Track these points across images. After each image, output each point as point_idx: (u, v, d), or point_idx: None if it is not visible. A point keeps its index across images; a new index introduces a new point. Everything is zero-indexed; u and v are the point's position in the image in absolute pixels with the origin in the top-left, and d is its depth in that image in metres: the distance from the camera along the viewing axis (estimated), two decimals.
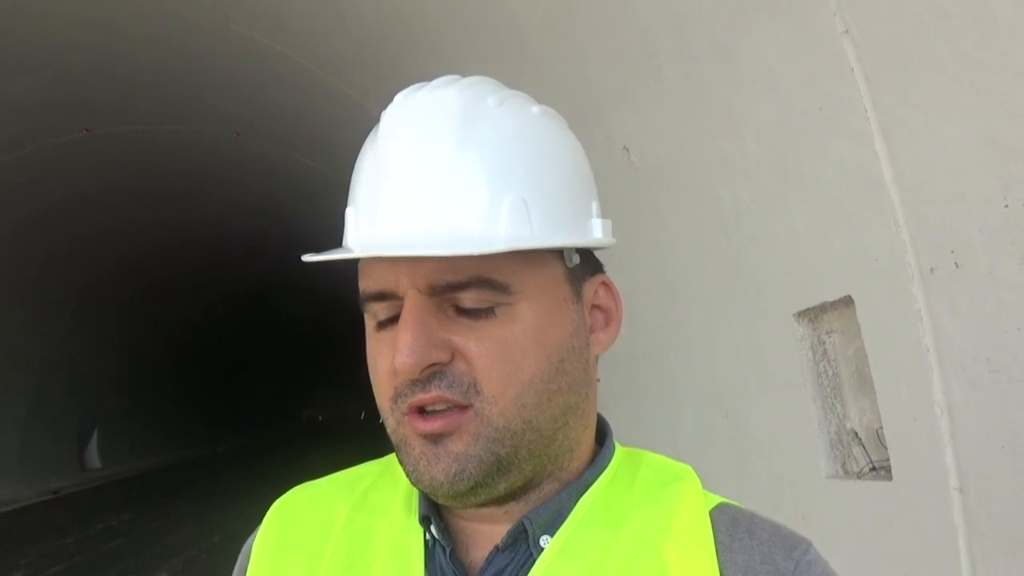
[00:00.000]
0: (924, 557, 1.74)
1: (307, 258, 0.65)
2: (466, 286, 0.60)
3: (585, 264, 0.67)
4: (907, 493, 1.80)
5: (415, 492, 0.69)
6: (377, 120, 0.66)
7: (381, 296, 0.62)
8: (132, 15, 6.52)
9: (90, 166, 9.75)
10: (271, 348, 26.31)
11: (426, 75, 0.68)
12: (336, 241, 0.69)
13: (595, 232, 0.66)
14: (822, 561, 0.64)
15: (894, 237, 1.71)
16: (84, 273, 12.54)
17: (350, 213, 0.64)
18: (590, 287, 0.68)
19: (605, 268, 0.72)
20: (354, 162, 0.66)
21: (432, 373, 0.60)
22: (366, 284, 0.63)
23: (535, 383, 0.61)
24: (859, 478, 2.04)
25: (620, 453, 0.70)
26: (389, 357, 0.61)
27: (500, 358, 0.60)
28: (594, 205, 0.67)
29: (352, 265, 0.67)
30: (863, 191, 1.79)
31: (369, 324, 0.65)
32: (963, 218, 1.55)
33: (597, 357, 0.69)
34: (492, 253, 0.57)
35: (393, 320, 0.62)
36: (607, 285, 0.70)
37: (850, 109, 1.76)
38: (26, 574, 7.25)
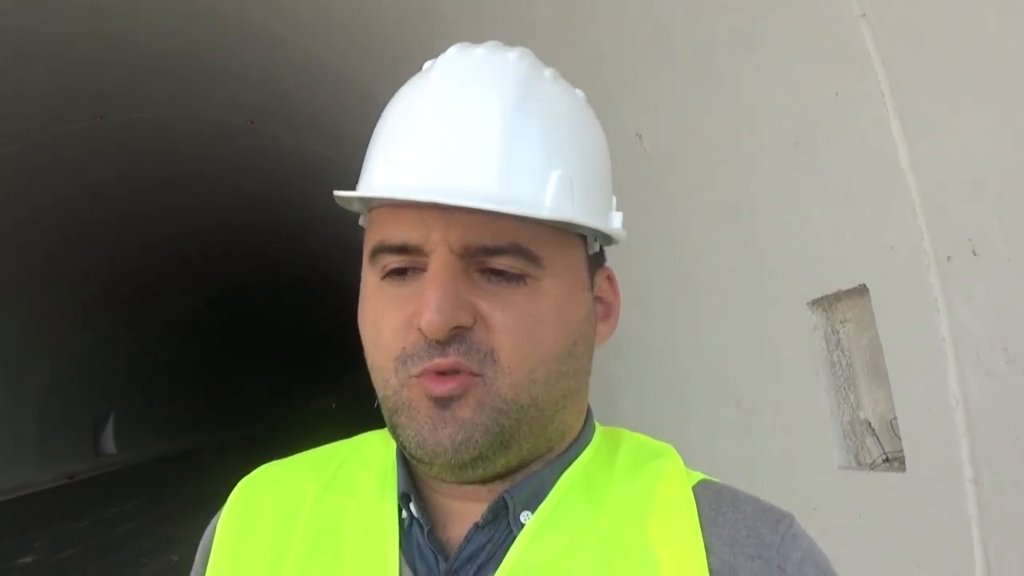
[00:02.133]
0: (937, 548, 1.73)
1: (340, 193, 0.62)
2: (502, 252, 0.58)
3: (599, 254, 0.68)
4: (920, 484, 1.78)
5: (390, 471, 0.67)
6: (410, 75, 0.64)
7: (403, 249, 0.59)
8: (145, 2, 6.53)
9: (103, 154, 9.78)
10: (283, 335, 26.43)
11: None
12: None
13: (615, 223, 0.66)
14: (806, 535, 0.64)
15: (910, 224, 1.68)
16: (98, 260, 12.62)
17: (379, 155, 0.61)
18: (598, 278, 0.68)
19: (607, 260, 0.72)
20: (366, 139, 0.63)
21: (453, 336, 0.57)
22: (387, 233, 0.60)
23: (549, 362, 0.60)
24: (872, 469, 2.02)
25: (600, 432, 0.70)
26: (400, 313, 0.59)
27: (523, 330, 0.59)
28: (614, 198, 0.68)
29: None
30: (879, 178, 1.77)
31: (373, 278, 0.62)
32: (981, 205, 1.52)
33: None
34: (541, 219, 0.57)
35: (405, 274, 0.60)
36: (611, 279, 0.70)
37: (867, 94, 1.73)
38: (41, 556, 7.33)
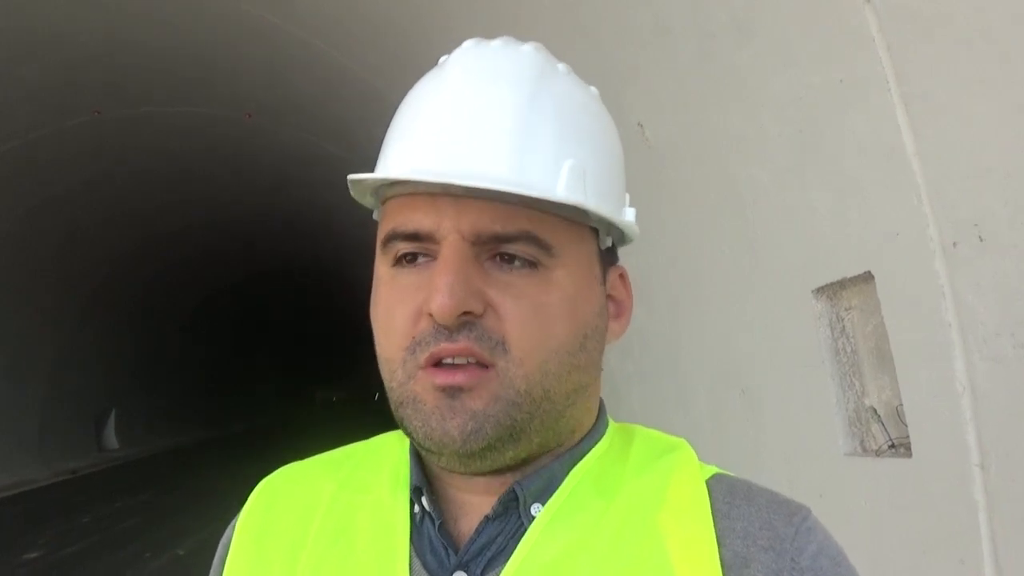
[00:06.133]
0: (944, 534, 1.73)
1: (353, 177, 0.62)
2: (513, 239, 0.58)
3: (611, 250, 0.68)
4: (927, 470, 1.78)
5: (403, 469, 0.68)
6: (425, 69, 0.65)
7: (415, 237, 0.59)
8: None
9: (101, 149, 9.77)
10: (285, 329, 26.44)
11: (438, 53, 0.67)
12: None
13: (629, 216, 0.67)
14: (822, 528, 0.63)
15: (916, 211, 1.68)
16: (99, 256, 12.61)
17: (393, 145, 0.62)
18: (611, 275, 0.68)
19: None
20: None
21: (462, 323, 0.57)
22: (400, 222, 0.60)
23: (561, 353, 0.60)
24: (878, 455, 2.02)
25: (613, 427, 0.70)
26: (412, 302, 0.59)
27: (534, 320, 0.59)
28: (627, 195, 0.69)
29: (374, 233, 0.65)
30: (884, 164, 1.76)
31: (385, 266, 0.62)
32: (987, 191, 1.52)
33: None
34: (553, 202, 0.57)
35: (416, 261, 0.60)
36: (623, 277, 0.70)
37: (871, 81, 1.73)
38: (45, 552, 7.34)
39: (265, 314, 23.51)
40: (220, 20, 6.73)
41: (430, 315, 0.57)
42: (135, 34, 7.13)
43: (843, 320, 2.13)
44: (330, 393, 34.54)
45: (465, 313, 0.57)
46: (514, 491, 0.62)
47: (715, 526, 0.61)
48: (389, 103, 0.67)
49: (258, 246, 16.15)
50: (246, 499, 0.73)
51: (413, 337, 0.59)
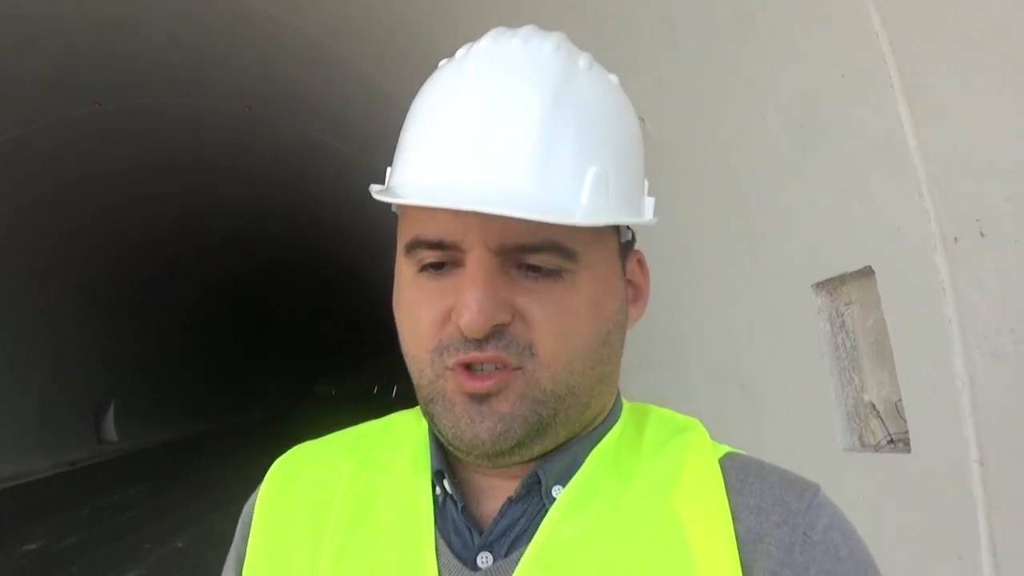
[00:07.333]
0: (942, 530, 1.73)
1: (378, 197, 0.61)
2: (539, 250, 0.59)
3: (630, 240, 0.69)
4: (926, 466, 1.78)
5: (423, 449, 0.69)
6: (439, 61, 0.64)
7: (440, 245, 0.60)
8: None
9: (102, 141, 9.75)
10: (285, 322, 26.44)
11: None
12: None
13: (648, 212, 0.67)
14: (832, 503, 0.65)
15: (917, 206, 1.67)
16: (99, 247, 12.60)
17: (413, 151, 0.61)
18: (629, 262, 0.69)
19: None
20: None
21: (491, 332, 0.58)
22: (422, 229, 0.60)
23: (585, 352, 0.62)
24: (876, 451, 2.03)
25: (628, 408, 0.72)
26: (436, 307, 0.60)
27: (560, 324, 0.60)
28: (646, 183, 0.69)
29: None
30: (885, 159, 1.76)
31: (408, 270, 0.62)
32: (989, 186, 1.52)
33: None
34: (576, 224, 0.57)
35: (441, 268, 0.61)
36: (641, 262, 0.71)
37: (873, 76, 1.72)
38: (44, 544, 7.35)
39: (265, 308, 23.52)
40: (220, 11, 6.72)
41: (460, 327, 0.59)
42: (135, 25, 7.12)
43: (843, 315, 2.13)
44: (329, 387, 34.57)
45: (496, 324, 0.58)
46: (537, 474, 0.63)
47: (729, 503, 0.63)
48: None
49: (258, 240, 16.14)
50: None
51: (440, 340, 0.60)
